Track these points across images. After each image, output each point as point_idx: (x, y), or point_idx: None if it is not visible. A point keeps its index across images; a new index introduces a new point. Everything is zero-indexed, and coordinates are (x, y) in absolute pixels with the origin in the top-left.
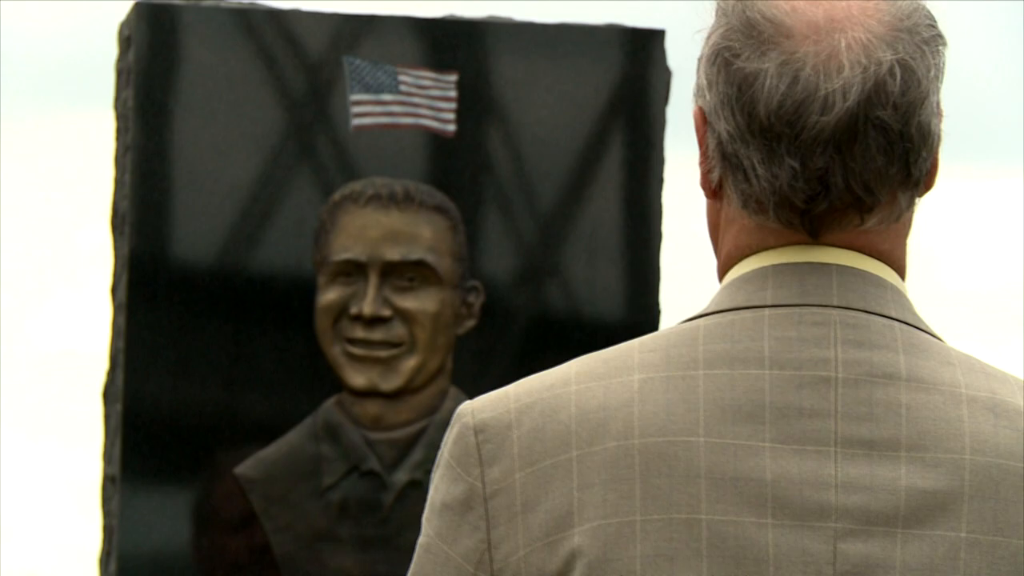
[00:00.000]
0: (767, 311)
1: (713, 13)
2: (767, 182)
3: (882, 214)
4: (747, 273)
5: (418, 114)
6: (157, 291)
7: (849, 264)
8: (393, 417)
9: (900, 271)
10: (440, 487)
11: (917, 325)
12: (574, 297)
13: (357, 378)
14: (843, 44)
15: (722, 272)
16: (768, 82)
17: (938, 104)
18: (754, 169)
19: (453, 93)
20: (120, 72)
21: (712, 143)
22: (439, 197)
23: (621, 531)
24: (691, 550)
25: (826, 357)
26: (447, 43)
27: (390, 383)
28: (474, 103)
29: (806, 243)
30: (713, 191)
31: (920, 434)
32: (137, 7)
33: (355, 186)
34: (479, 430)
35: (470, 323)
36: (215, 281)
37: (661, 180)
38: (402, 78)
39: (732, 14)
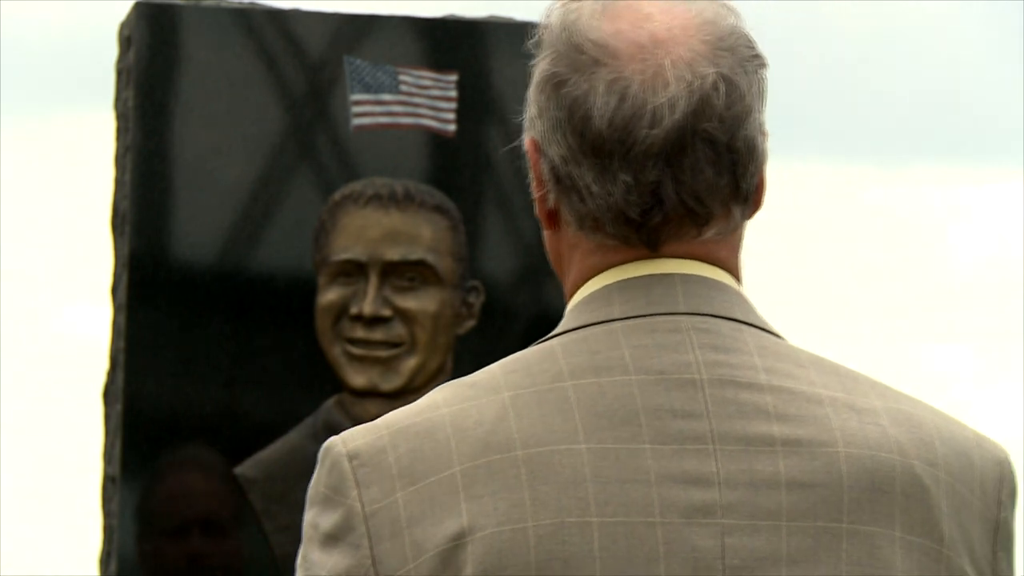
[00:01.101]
0: (618, 324)
1: (538, 44)
2: (602, 199)
3: (719, 226)
4: (591, 293)
5: (418, 114)
6: (157, 291)
7: (691, 272)
8: None
9: (737, 279)
10: (316, 521)
11: (763, 327)
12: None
13: (357, 378)
14: (668, 62)
15: (569, 298)
16: (597, 101)
17: (762, 124)
18: (588, 188)
19: (453, 93)
20: (120, 72)
21: (546, 170)
22: (439, 197)
23: (514, 537)
24: (584, 552)
25: (687, 361)
26: (447, 43)
27: (390, 383)
28: (474, 103)
29: (646, 257)
30: (549, 219)
31: (792, 430)
32: (137, 7)
33: (355, 186)
34: (352, 456)
35: (470, 323)
36: (215, 281)
37: None
38: (402, 78)
39: (558, 42)
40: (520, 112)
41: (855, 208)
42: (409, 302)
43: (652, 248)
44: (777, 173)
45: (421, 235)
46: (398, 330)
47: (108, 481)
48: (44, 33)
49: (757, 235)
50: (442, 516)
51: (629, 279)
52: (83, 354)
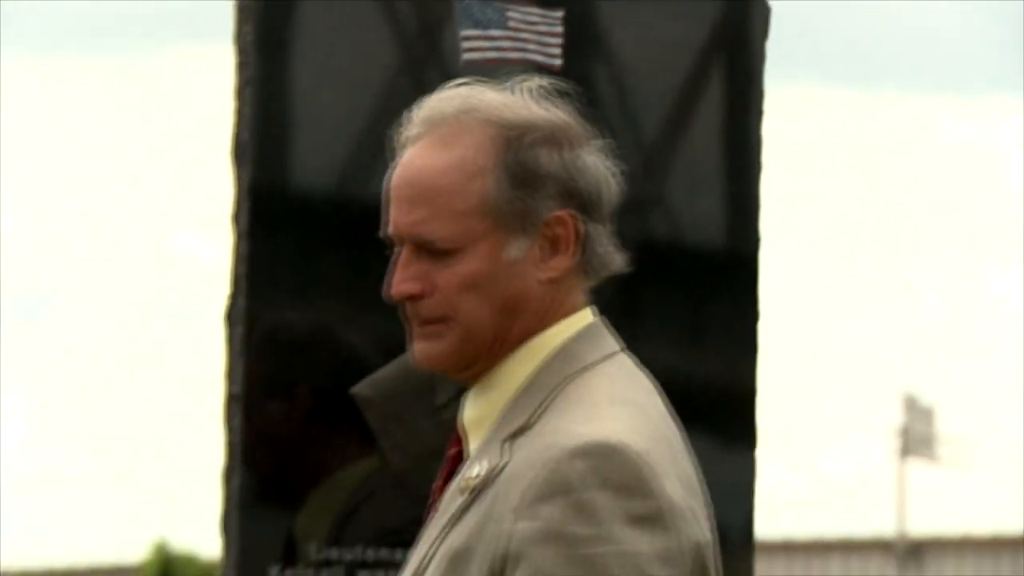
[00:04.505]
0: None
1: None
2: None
3: None
4: (589, 325)
5: (526, 48)
6: (276, 219)
7: None
8: None
9: None
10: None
11: None
12: (677, 225)
13: None
14: None
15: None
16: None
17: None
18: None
19: (559, 28)
20: (240, 8)
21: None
22: None
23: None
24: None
25: None
26: None
27: None
28: (579, 39)
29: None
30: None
31: None
32: None
33: None
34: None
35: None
36: (332, 209)
37: (760, 113)
38: (510, 14)
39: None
40: (624, 47)
41: (928, 138)
42: None
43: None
44: (830, 104)
45: None
46: None
47: (231, 400)
48: None
49: (836, 164)
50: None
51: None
52: (206, 278)
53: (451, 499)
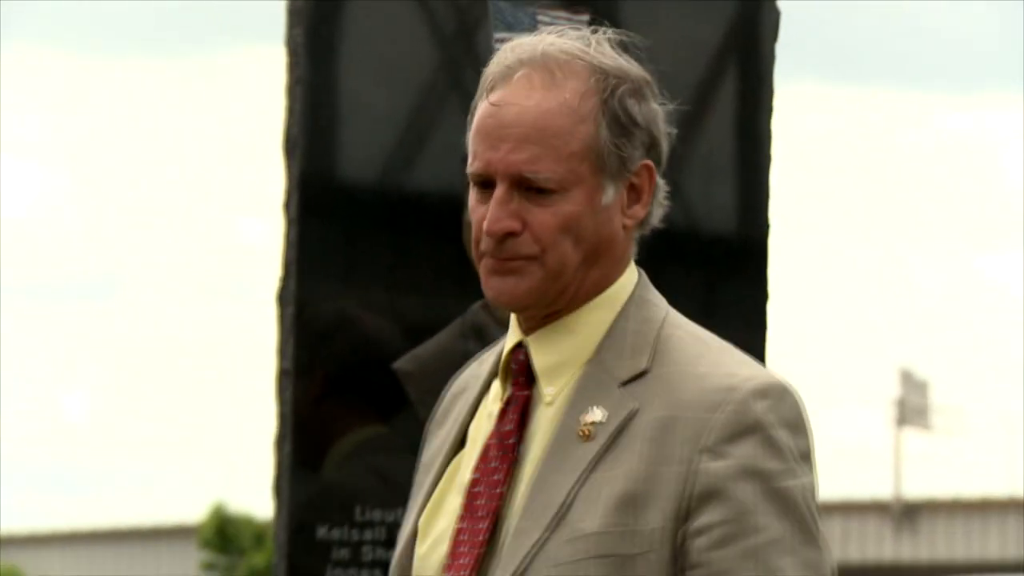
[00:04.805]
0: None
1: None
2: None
3: None
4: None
5: None
6: (324, 207)
7: None
8: None
9: None
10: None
11: None
12: (692, 213)
13: None
14: None
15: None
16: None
17: None
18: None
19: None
20: (291, 12)
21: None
22: None
23: None
24: None
25: None
26: None
27: None
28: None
29: None
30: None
31: None
32: None
33: None
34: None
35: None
36: (375, 198)
37: (771, 109)
38: (540, 18)
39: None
40: (644, 49)
41: (924, 131)
42: None
43: None
44: (834, 101)
45: None
46: None
47: (283, 374)
48: None
49: (840, 156)
50: None
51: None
52: (259, 262)
53: (565, 443)
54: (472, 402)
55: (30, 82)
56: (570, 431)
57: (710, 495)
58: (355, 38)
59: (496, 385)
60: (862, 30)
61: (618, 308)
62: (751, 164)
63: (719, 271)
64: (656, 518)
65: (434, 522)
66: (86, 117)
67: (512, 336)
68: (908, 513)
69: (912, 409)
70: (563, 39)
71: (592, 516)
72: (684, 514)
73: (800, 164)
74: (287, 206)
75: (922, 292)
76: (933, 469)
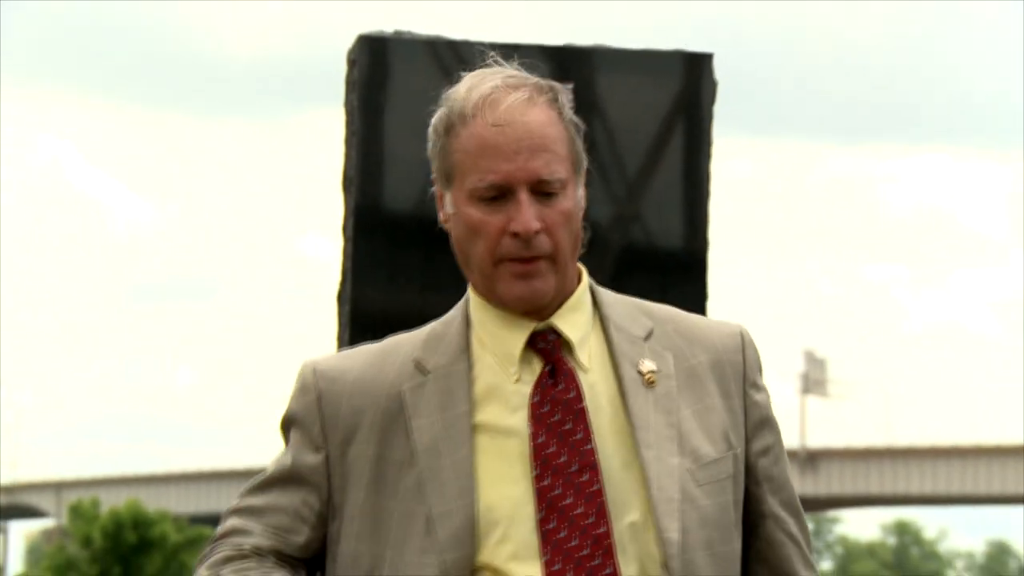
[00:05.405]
0: None
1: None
2: None
3: None
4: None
5: None
6: (373, 229)
7: None
8: None
9: None
10: None
11: None
12: (650, 235)
13: None
14: None
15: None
16: None
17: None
18: None
19: (569, 96)
20: (348, 83)
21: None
22: None
23: None
24: None
25: None
26: (566, 64)
27: None
28: (581, 102)
29: None
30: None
31: None
32: (360, 39)
33: None
34: None
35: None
36: (412, 222)
37: (709, 156)
38: None
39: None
40: (614, 110)
41: (821, 171)
42: None
43: None
44: (758, 149)
45: None
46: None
47: None
48: (308, 53)
49: (761, 190)
50: None
51: None
52: (322, 270)
53: (637, 390)
54: (467, 398)
55: (151, 135)
56: (634, 381)
57: (763, 422)
58: (397, 102)
59: (496, 370)
60: (780, 94)
61: (587, 285)
62: (694, 197)
63: (670, 278)
64: (738, 442)
65: (495, 494)
66: (196, 165)
67: (514, 327)
68: (810, 459)
69: (814, 381)
70: (506, 68)
71: (705, 445)
72: (749, 437)
73: (732, 197)
74: (344, 228)
75: (823, 291)
76: (829, 427)
